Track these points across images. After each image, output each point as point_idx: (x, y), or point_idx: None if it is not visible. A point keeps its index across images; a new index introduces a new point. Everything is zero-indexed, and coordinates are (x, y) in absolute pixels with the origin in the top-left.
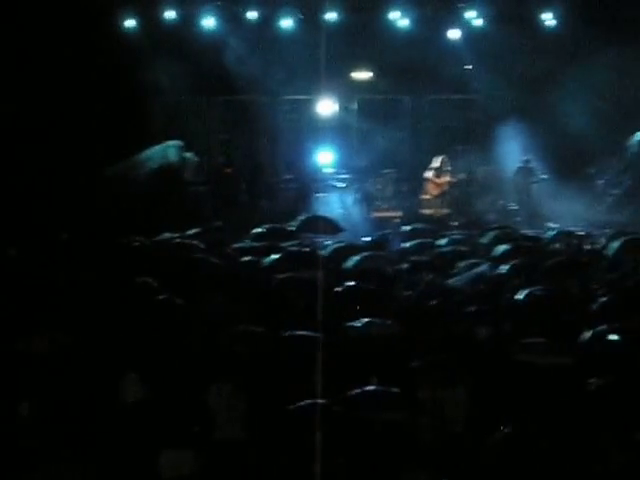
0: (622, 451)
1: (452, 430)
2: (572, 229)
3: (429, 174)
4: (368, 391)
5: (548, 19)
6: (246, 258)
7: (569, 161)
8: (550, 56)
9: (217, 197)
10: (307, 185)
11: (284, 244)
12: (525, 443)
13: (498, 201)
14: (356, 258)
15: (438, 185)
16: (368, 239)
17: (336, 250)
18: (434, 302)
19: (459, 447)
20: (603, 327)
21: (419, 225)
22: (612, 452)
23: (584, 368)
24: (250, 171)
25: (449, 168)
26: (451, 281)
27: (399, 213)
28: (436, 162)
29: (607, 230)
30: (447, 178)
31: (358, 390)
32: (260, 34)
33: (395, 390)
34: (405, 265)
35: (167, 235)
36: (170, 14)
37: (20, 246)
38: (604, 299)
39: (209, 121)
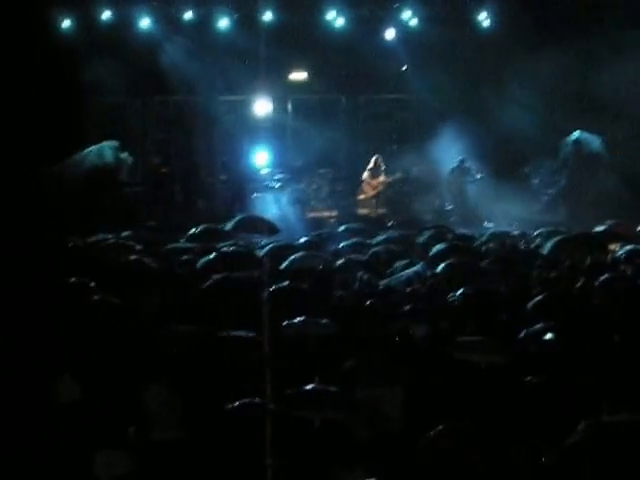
0: (553, 450)
1: (389, 429)
2: (507, 229)
3: (365, 174)
4: (306, 390)
5: (483, 19)
6: (181, 258)
7: (504, 161)
8: (485, 56)
9: (152, 197)
10: (242, 185)
11: (219, 244)
12: (460, 441)
13: (434, 201)
14: (291, 258)
15: (373, 185)
16: (304, 239)
17: (271, 250)
18: (370, 301)
19: (396, 446)
20: (538, 326)
21: (354, 225)
22: (544, 451)
23: (519, 366)
24: (185, 171)
25: (383, 168)
26: (387, 280)
27: (335, 213)
28: (371, 162)
29: (542, 229)
30: (382, 178)
31: (296, 389)
32: (196, 34)
33: (333, 389)
34: (340, 264)
35: (102, 235)
36: (106, 14)
37: None
38: (539, 298)
39: (145, 121)
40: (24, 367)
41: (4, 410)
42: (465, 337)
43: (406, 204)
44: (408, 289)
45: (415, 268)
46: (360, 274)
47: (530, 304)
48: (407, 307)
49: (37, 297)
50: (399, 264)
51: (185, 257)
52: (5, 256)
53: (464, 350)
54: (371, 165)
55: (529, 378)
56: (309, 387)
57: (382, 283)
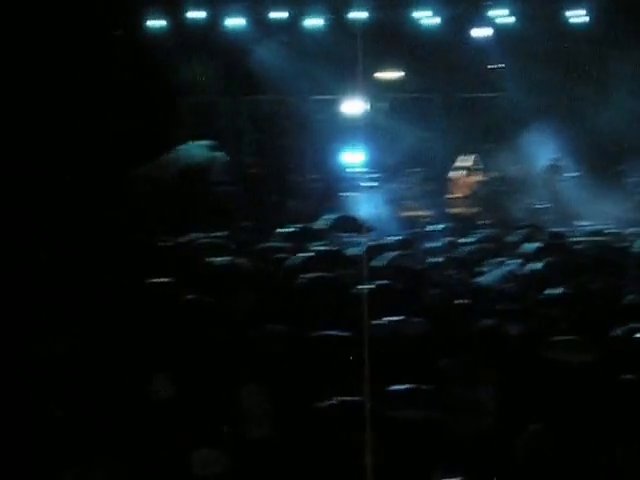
0: None
1: (483, 428)
2: (601, 227)
3: (459, 173)
4: (399, 389)
5: (577, 16)
6: (275, 257)
7: (599, 159)
8: (580, 54)
9: (245, 197)
10: (334, 185)
11: (313, 244)
12: (554, 439)
13: (527, 200)
14: (385, 257)
15: (468, 184)
16: (397, 238)
17: (365, 249)
18: (463, 300)
19: (491, 445)
20: (632, 324)
21: (447, 224)
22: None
23: (614, 365)
24: (278, 171)
25: (481, 167)
26: (480, 279)
27: (428, 212)
28: (465, 161)
29: (636, 228)
30: (478, 177)
31: (389, 388)
32: (287, 33)
33: (427, 388)
34: (434, 263)
35: (194, 235)
36: (197, 14)
37: (46, 247)
38: (632, 296)
39: (236, 121)
40: (119, 368)
41: (101, 411)
42: (558, 336)
43: (499, 203)
44: (501, 288)
45: (508, 267)
46: (453, 272)
47: (624, 302)
48: (500, 306)
49: (132, 298)
50: (492, 262)
51: (278, 256)
52: (99, 257)
53: (557, 349)
54: (467, 163)
55: (623, 377)
56: (403, 387)
57: (475, 282)
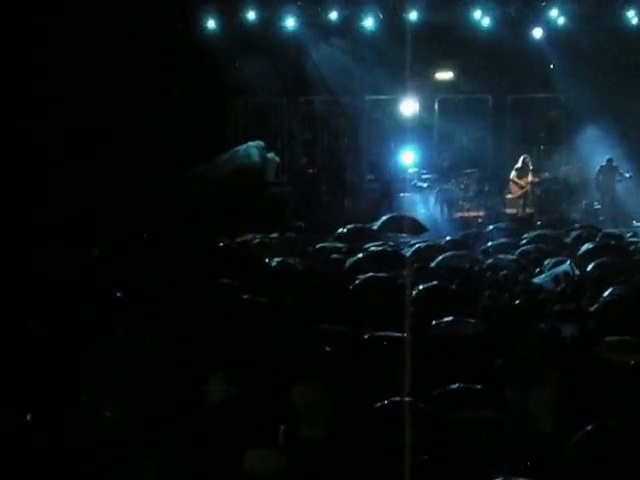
0: None
1: (538, 429)
2: None
3: (513, 173)
4: (453, 389)
5: (631, 17)
6: (329, 258)
7: None
8: (633, 54)
9: (299, 197)
10: (389, 185)
11: (367, 244)
12: (609, 440)
13: (582, 200)
14: (440, 257)
15: (521, 184)
16: (452, 238)
17: (419, 249)
18: (518, 300)
19: (546, 445)
20: None
21: (502, 224)
22: None
23: None
24: (332, 171)
25: (531, 167)
26: (535, 280)
27: (482, 212)
28: (520, 162)
29: None
30: (530, 177)
31: (443, 388)
32: (342, 34)
33: (480, 388)
34: (489, 264)
35: (250, 235)
36: (251, 15)
37: (102, 246)
38: None
39: (291, 121)
40: (177, 367)
41: (156, 410)
42: (613, 337)
43: (554, 203)
44: (557, 288)
45: (563, 267)
46: (509, 273)
47: None
48: (555, 307)
49: (187, 297)
50: (548, 263)
51: (333, 257)
52: (155, 257)
53: (612, 350)
54: (519, 164)
55: None
56: (455, 386)
57: (531, 282)
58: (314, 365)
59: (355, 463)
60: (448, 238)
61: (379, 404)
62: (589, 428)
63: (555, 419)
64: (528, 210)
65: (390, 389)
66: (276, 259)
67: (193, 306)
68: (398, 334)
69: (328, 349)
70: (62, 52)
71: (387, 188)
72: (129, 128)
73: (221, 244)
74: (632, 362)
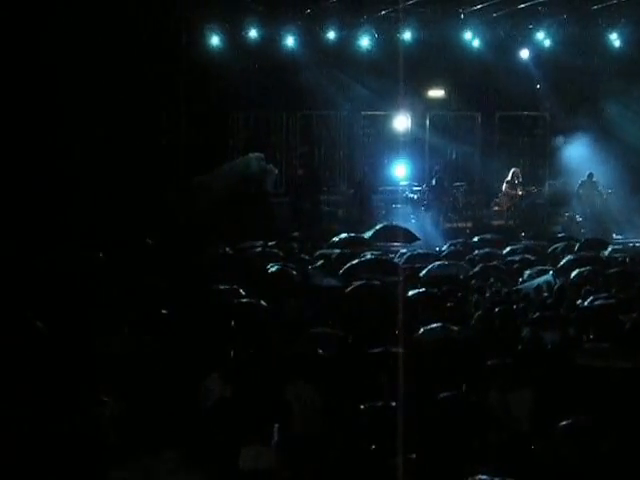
0: None
1: (518, 429)
2: (635, 240)
3: (504, 186)
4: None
5: (614, 39)
6: (323, 265)
7: (633, 175)
8: (615, 75)
9: (296, 207)
10: (382, 196)
11: (360, 252)
12: (585, 437)
13: (564, 213)
14: (430, 266)
15: (509, 197)
16: (440, 248)
17: (409, 258)
18: (501, 307)
19: (524, 446)
20: None
21: (488, 235)
22: None
23: None
24: (327, 182)
25: (520, 180)
26: (519, 287)
27: (469, 224)
28: (506, 175)
29: None
30: (518, 190)
31: (427, 392)
32: (338, 52)
33: (461, 391)
34: (475, 272)
35: (249, 243)
36: (253, 33)
37: (108, 251)
38: None
39: (288, 135)
40: (173, 367)
41: (154, 409)
42: (591, 344)
43: (538, 216)
44: (539, 297)
45: (546, 277)
46: (493, 282)
47: None
48: (537, 314)
49: (186, 300)
50: (530, 272)
51: (327, 264)
52: (158, 262)
53: (590, 356)
54: (509, 177)
55: None
56: (446, 394)
57: (513, 290)
58: (308, 366)
59: (346, 458)
60: (437, 248)
61: (367, 405)
62: (563, 424)
63: (533, 421)
64: (512, 222)
65: (378, 391)
66: (275, 265)
67: (192, 308)
68: (387, 339)
69: (321, 351)
70: (72, 67)
71: (380, 199)
72: (136, 138)
73: (222, 251)
74: (607, 367)
